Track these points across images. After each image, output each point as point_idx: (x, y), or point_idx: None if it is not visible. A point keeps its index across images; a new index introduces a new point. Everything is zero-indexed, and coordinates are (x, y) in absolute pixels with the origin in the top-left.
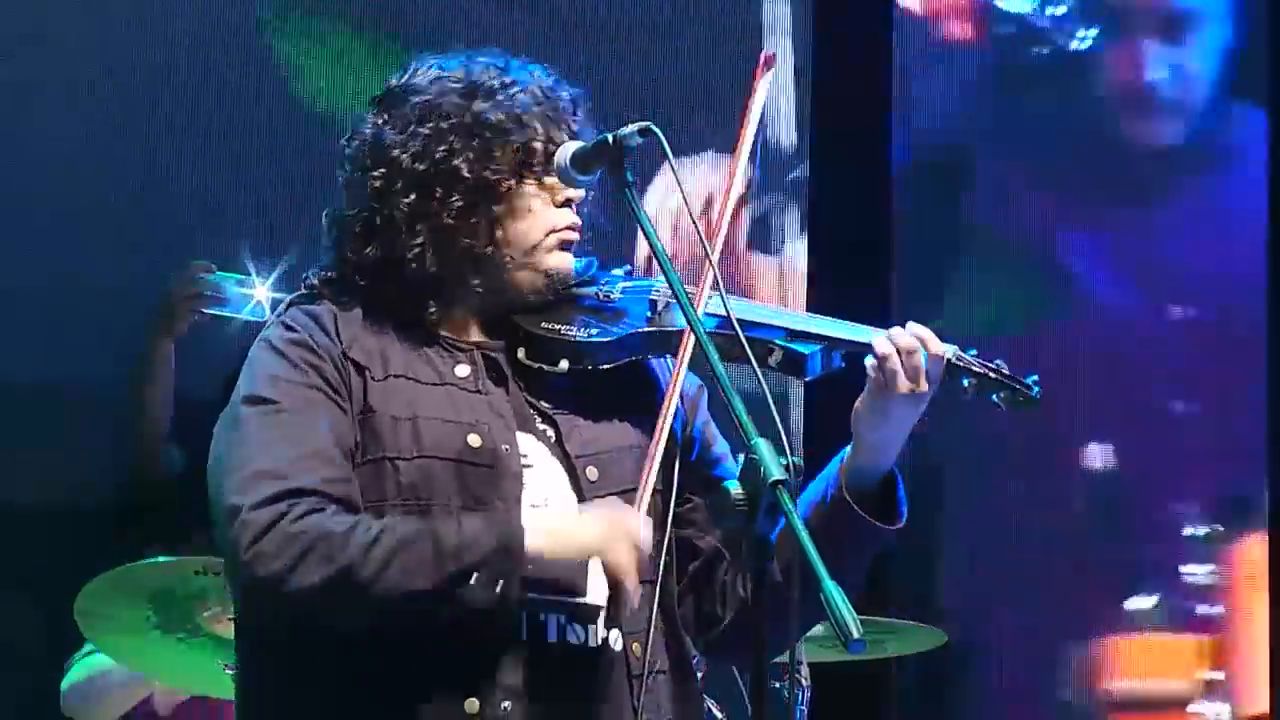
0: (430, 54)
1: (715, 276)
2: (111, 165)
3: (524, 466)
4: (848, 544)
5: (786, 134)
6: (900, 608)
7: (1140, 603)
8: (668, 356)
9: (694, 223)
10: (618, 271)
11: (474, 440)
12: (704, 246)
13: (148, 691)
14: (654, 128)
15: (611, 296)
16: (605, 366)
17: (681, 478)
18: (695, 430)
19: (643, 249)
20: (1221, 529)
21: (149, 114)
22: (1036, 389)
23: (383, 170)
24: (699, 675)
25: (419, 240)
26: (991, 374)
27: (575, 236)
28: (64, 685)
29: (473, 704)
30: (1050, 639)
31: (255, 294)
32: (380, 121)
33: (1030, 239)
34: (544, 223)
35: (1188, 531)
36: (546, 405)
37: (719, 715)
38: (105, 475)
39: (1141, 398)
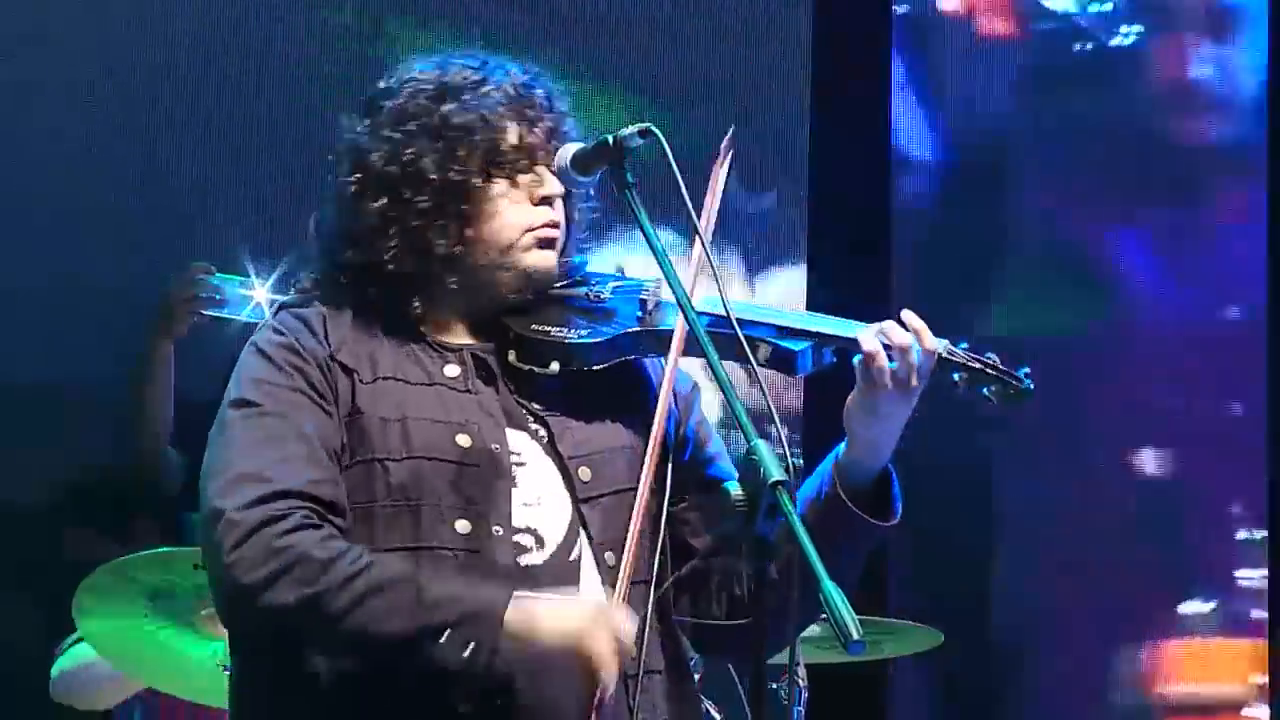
0: (416, 55)
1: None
2: (111, 164)
3: (516, 465)
4: (843, 541)
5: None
6: (953, 611)
7: (1194, 607)
8: (660, 356)
9: (693, 222)
10: (610, 270)
11: (463, 440)
12: (703, 246)
13: (141, 684)
14: (654, 129)
15: (602, 296)
16: (596, 367)
17: (675, 477)
18: (689, 429)
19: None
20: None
21: (148, 111)
22: (1028, 381)
23: (358, 175)
24: (696, 675)
25: (392, 243)
26: (983, 368)
27: (555, 234)
28: (54, 672)
29: (466, 701)
30: (1104, 643)
31: (255, 295)
32: (358, 127)
33: (1074, 238)
34: (519, 221)
35: (1242, 535)
36: (538, 407)
37: (717, 716)
38: (105, 476)
39: (1194, 400)
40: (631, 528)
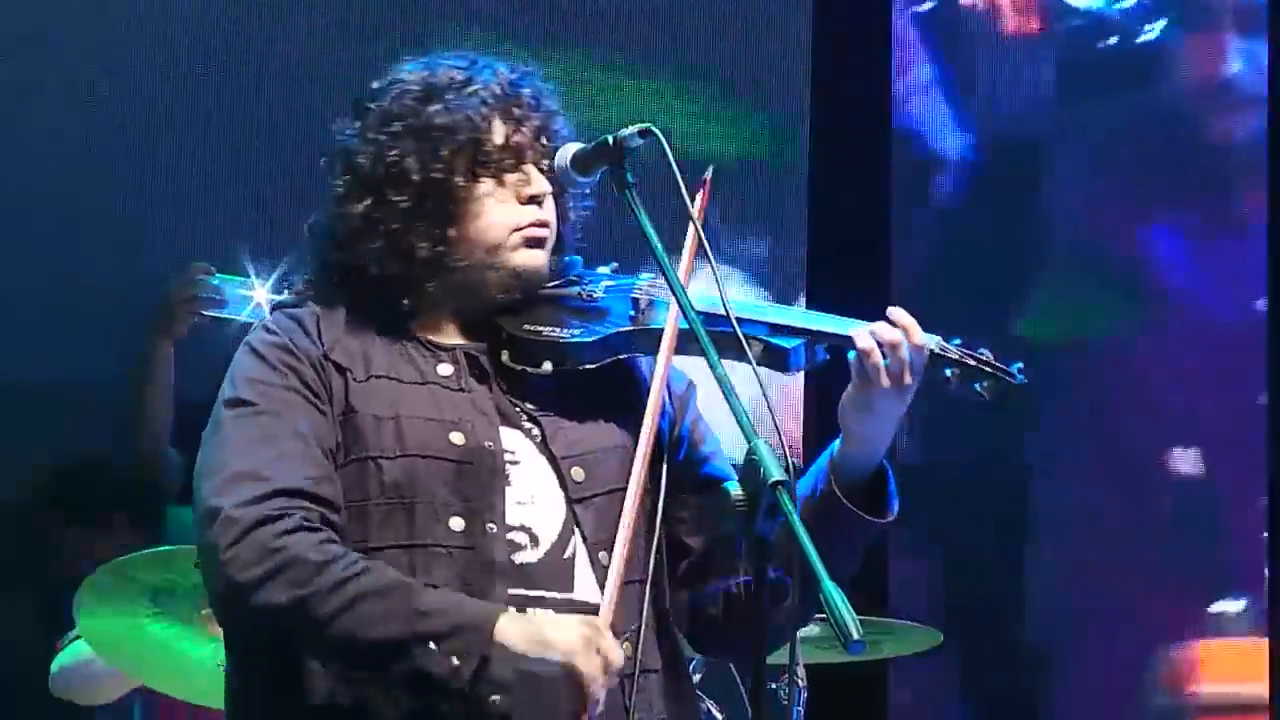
0: (409, 56)
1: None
2: (112, 164)
3: (510, 463)
4: (838, 538)
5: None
6: (983, 611)
7: (1227, 606)
8: (653, 355)
9: (693, 220)
10: (604, 269)
11: (457, 438)
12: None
13: (139, 680)
14: (654, 128)
15: (594, 295)
16: (589, 366)
17: (670, 476)
18: (683, 428)
19: None
20: None
21: (148, 112)
22: (1020, 376)
23: (346, 177)
24: (697, 675)
25: (375, 244)
26: (975, 363)
27: (543, 233)
28: (54, 667)
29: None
30: (1138, 642)
31: (255, 296)
32: (348, 129)
33: (1105, 237)
34: (506, 221)
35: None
36: (531, 406)
37: (718, 716)
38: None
39: (1228, 398)
40: (622, 526)
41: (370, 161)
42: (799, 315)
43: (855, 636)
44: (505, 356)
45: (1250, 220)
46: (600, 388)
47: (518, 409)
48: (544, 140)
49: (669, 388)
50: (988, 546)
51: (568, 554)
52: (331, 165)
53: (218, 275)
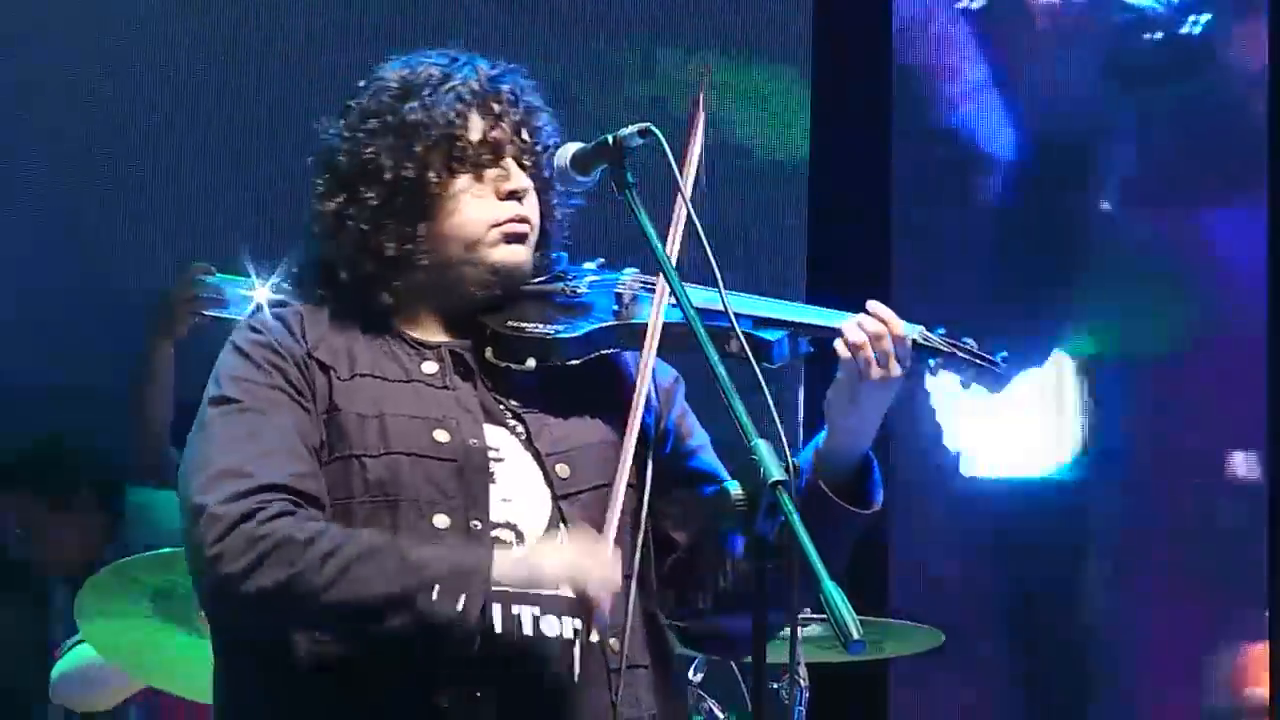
0: (394, 57)
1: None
2: (112, 165)
3: (495, 460)
4: (825, 531)
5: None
6: (1049, 615)
7: None
8: (638, 350)
9: (693, 220)
10: (589, 264)
11: (441, 435)
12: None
13: (141, 684)
14: (654, 128)
15: (578, 291)
16: (573, 362)
17: (656, 470)
18: (669, 423)
19: None
20: None
21: (149, 113)
22: (1004, 365)
23: (326, 176)
24: (699, 675)
25: (346, 241)
26: (958, 352)
27: (523, 229)
28: (54, 673)
29: (445, 695)
30: (1195, 645)
31: (255, 296)
32: (331, 130)
33: (1158, 232)
34: (484, 217)
35: None
36: (515, 403)
37: (720, 716)
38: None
39: None
40: (608, 522)
41: (346, 159)
42: (783, 307)
43: (855, 636)
44: (489, 353)
45: None
46: (585, 384)
47: (502, 406)
48: (524, 136)
49: (655, 381)
50: (1043, 551)
51: (556, 542)
52: (314, 164)
53: (218, 275)
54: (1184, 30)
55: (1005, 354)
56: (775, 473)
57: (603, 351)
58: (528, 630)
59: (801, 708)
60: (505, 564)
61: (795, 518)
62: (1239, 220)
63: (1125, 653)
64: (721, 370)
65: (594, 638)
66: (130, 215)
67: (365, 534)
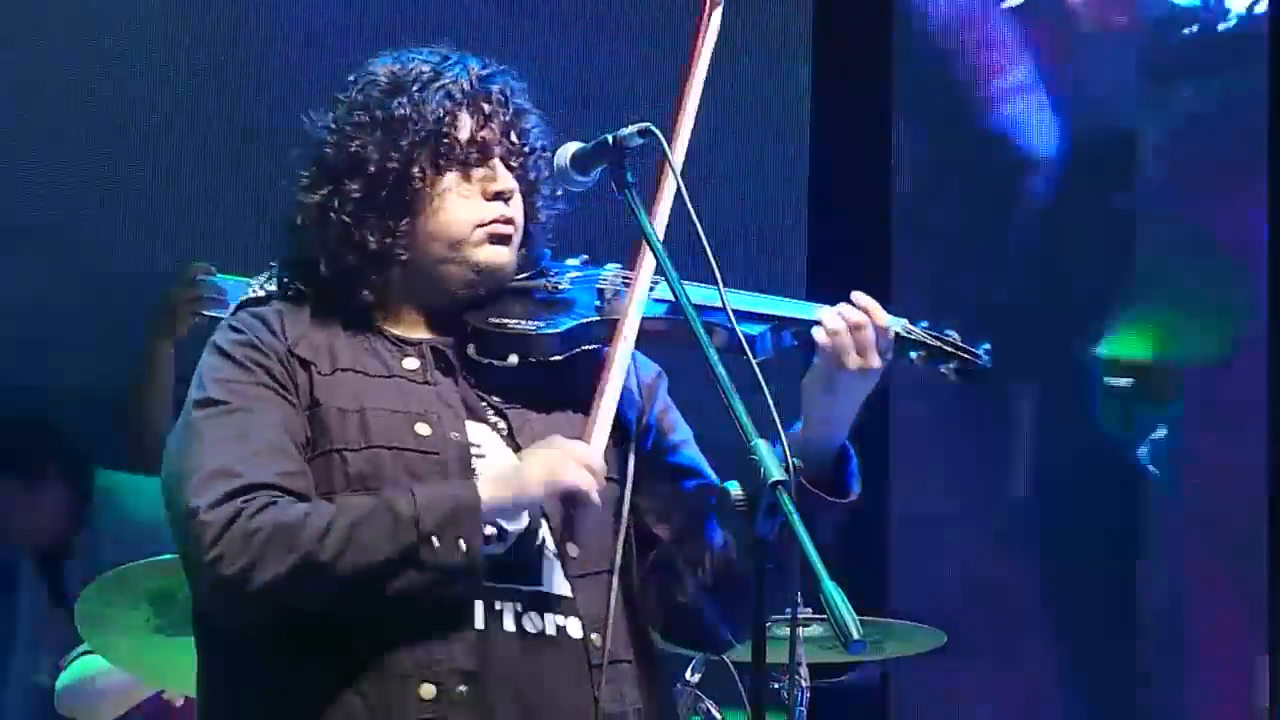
0: (385, 53)
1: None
2: (112, 165)
3: (476, 456)
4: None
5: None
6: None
7: None
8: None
9: (694, 221)
10: (573, 261)
11: (422, 429)
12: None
13: (146, 694)
14: (654, 128)
15: (559, 287)
16: (555, 358)
17: (639, 465)
18: (650, 418)
19: None
20: None
21: (149, 113)
22: (987, 358)
23: (311, 167)
24: (697, 675)
25: (329, 233)
26: (940, 345)
27: (507, 230)
28: (59, 685)
29: (428, 689)
30: (1247, 645)
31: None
32: (319, 123)
33: (1203, 226)
34: (469, 216)
35: None
36: (497, 399)
37: (718, 716)
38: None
39: None
40: (592, 428)
41: (333, 151)
42: (764, 301)
43: (855, 636)
44: (471, 350)
45: None
46: (567, 379)
47: (484, 402)
48: (512, 137)
49: (637, 377)
50: (1100, 554)
51: (535, 545)
52: (299, 156)
53: (218, 275)
54: (1222, 26)
55: (988, 346)
56: (775, 473)
57: (585, 347)
58: (510, 626)
59: (802, 708)
60: (491, 490)
61: (795, 518)
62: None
63: (1178, 656)
64: (721, 370)
65: (573, 552)
66: (130, 215)
67: (351, 499)
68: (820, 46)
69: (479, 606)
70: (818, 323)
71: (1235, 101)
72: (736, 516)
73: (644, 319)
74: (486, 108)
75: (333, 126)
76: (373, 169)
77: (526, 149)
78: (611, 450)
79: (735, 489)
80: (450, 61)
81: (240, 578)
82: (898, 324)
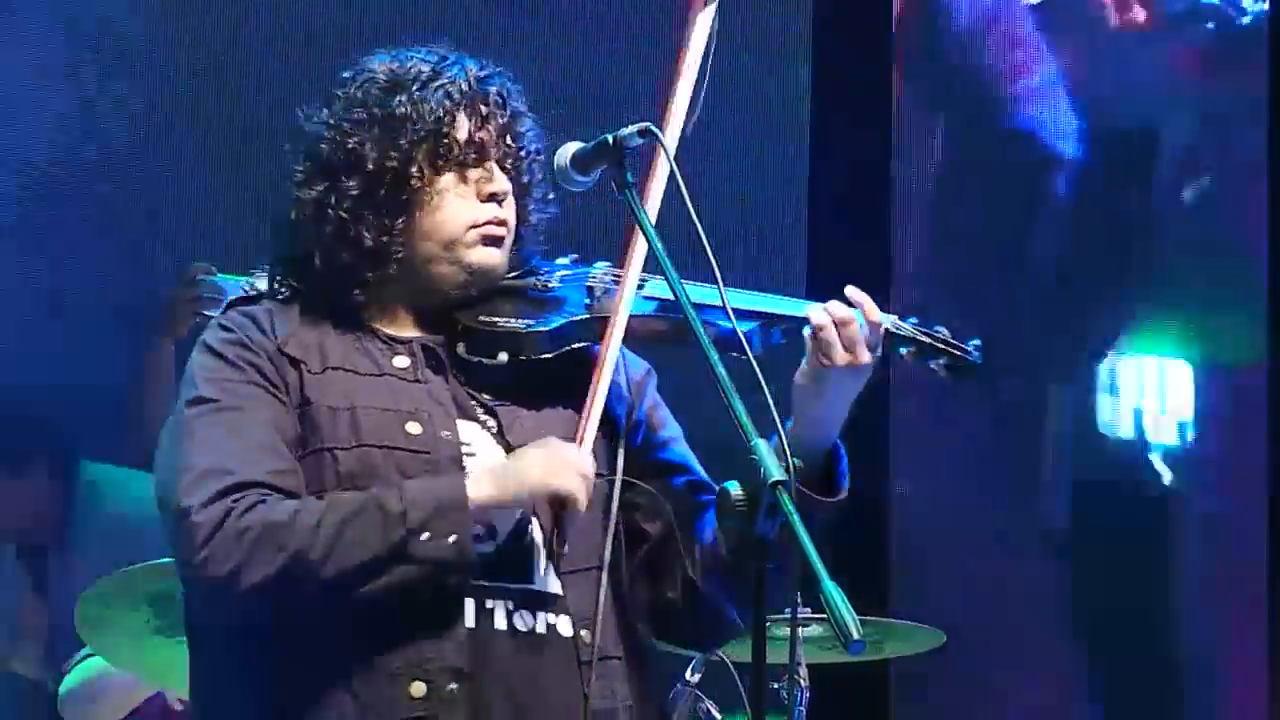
0: (381, 51)
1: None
2: (113, 165)
3: (466, 455)
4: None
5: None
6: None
7: None
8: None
9: (695, 221)
10: (562, 260)
11: (413, 428)
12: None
13: (147, 695)
14: (654, 128)
15: (549, 285)
16: (545, 356)
17: (628, 462)
18: (640, 414)
19: None
20: None
21: (149, 113)
22: (977, 354)
23: (307, 163)
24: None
25: (326, 230)
26: (931, 341)
27: (500, 232)
28: (61, 690)
29: (419, 687)
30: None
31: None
32: (314, 119)
33: (1228, 225)
34: (463, 216)
35: None
36: (488, 397)
37: (718, 716)
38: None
39: None
40: (583, 428)
41: (330, 148)
42: (754, 298)
43: (855, 636)
44: (461, 348)
45: None
46: (558, 378)
47: (474, 401)
48: (508, 140)
49: (627, 374)
50: (1132, 556)
51: (525, 543)
52: (294, 151)
53: (219, 275)
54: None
55: (978, 342)
56: (775, 473)
57: (575, 345)
58: (501, 625)
59: (802, 708)
60: (480, 486)
61: (795, 518)
62: None
63: (1210, 660)
64: (721, 370)
65: (566, 548)
66: (130, 215)
67: (339, 496)
68: (820, 46)
69: (470, 605)
70: (807, 319)
71: (1257, 100)
72: (737, 516)
73: (637, 318)
74: (484, 109)
75: (331, 122)
76: (371, 166)
77: (521, 151)
78: (601, 446)
79: (735, 489)
80: (449, 62)
81: (231, 577)
82: (887, 319)
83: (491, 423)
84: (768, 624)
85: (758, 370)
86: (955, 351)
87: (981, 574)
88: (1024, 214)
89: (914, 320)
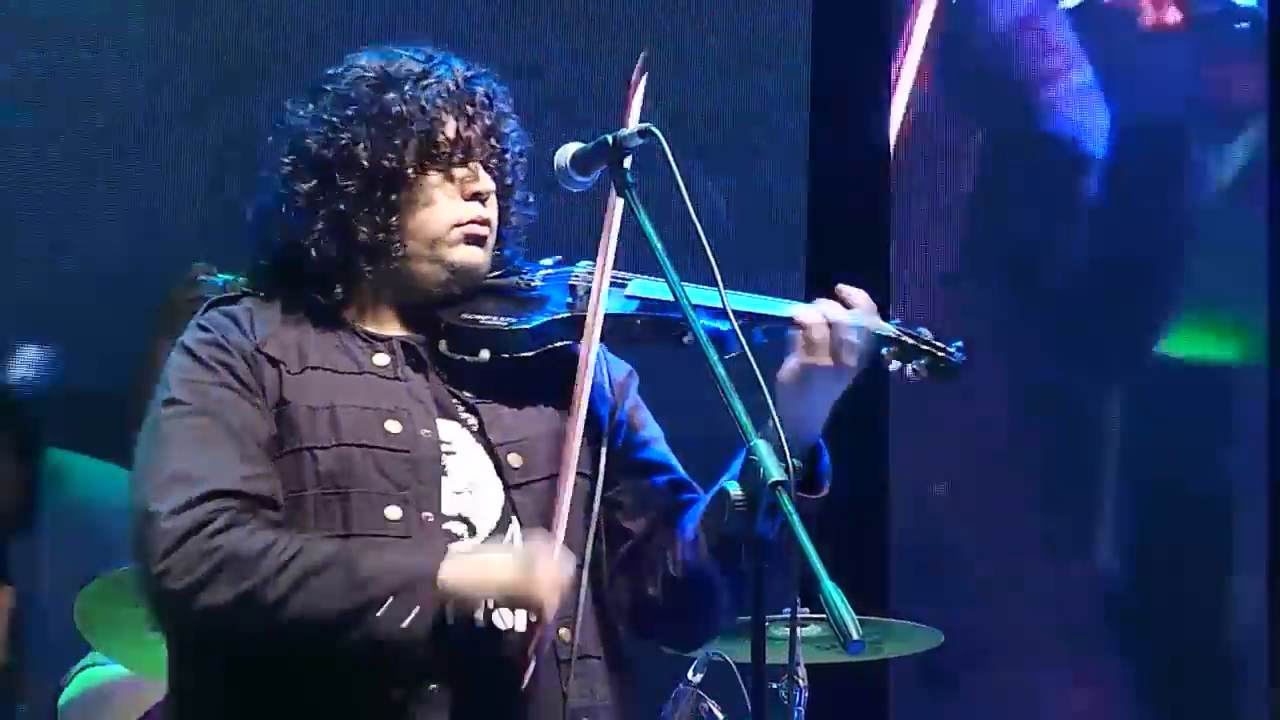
0: (368, 48)
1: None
2: (114, 166)
3: (447, 453)
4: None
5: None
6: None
7: None
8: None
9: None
10: (546, 260)
11: (393, 426)
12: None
13: (148, 705)
14: (654, 129)
15: (532, 284)
16: (527, 354)
17: (609, 461)
18: (621, 414)
19: None
20: None
21: (150, 113)
22: (959, 355)
23: (293, 158)
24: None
25: (318, 225)
26: (914, 342)
27: (483, 231)
28: (61, 701)
29: (398, 689)
30: None
31: None
32: (300, 113)
33: (1256, 224)
34: (448, 215)
35: None
36: (469, 395)
37: (719, 716)
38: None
39: None
40: (558, 515)
41: (320, 144)
42: (736, 298)
43: (855, 636)
44: (443, 346)
45: None
46: (539, 376)
47: (455, 399)
48: (493, 140)
49: (609, 374)
50: (1184, 563)
51: (506, 542)
52: (278, 145)
53: (219, 275)
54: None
55: (960, 343)
56: (775, 473)
57: (556, 344)
58: (480, 623)
59: (801, 708)
60: (452, 569)
61: (795, 518)
62: None
63: (1260, 666)
64: (721, 370)
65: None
66: (130, 215)
67: (315, 545)
68: (820, 46)
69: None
70: (790, 319)
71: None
72: (736, 516)
73: (620, 317)
74: (470, 109)
75: (322, 118)
76: (366, 164)
77: (505, 152)
78: (584, 446)
79: (735, 489)
80: (436, 61)
81: (185, 595)
82: (872, 320)
83: (472, 421)
84: (767, 624)
85: (757, 370)
86: (938, 352)
87: (982, 574)
88: (1056, 213)
89: (896, 321)
